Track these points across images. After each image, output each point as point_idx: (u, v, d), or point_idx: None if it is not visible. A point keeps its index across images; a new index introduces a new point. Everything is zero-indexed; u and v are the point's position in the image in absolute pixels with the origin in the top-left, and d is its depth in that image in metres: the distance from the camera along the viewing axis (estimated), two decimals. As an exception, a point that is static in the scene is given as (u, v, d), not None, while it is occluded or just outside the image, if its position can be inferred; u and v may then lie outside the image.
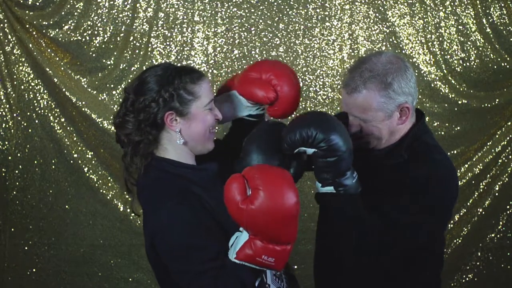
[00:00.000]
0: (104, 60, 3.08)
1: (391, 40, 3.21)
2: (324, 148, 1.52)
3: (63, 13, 3.01)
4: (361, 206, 1.61)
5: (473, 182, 3.30)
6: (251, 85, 1.70)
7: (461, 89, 3.27)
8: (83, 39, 3.05)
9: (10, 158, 3.07)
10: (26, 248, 3.11)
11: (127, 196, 3.10)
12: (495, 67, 3.26)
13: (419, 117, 1.75)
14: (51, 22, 3.01)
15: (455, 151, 3.29)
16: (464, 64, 3.26)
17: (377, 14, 3.20)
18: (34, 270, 3.12)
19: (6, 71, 3.03)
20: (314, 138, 1.51)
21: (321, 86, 3.19)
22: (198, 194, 1.56)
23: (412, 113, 1.69)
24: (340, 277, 1.80)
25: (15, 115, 3.07)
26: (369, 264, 1.67)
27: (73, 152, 3.09)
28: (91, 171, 3.10)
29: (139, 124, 1.55)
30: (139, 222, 3.11)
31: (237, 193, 1.41)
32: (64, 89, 3.04)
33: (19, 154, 3.08)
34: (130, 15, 3.07)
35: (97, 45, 3.07)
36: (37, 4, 3.01)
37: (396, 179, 1.63)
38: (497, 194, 3.30)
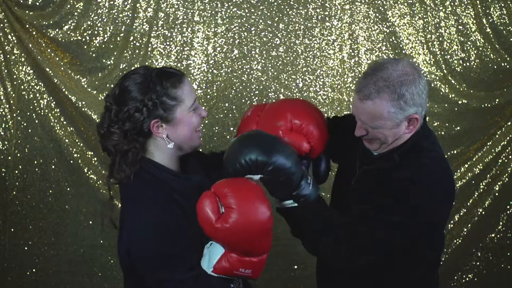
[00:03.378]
0: (104, 60, 3.08)
1: (391, 40, 3.21)
2: (269, 171, 1.51)
3: (63, 13, 3.01)
4: (324, 210, 1.63)
5: (473, 182, 3.31)
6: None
7: (461, 89, 3.27)
8: (83, 39, 3.04)
9: (10, 158, 3.07)
10: (26, 248, 3.10)
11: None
12: (495, 67, 3.26)
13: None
14: (51, 22, 3.01)
15: (455, 151, 3.29)
16: (464, 64, 3.26)
17: (377, 14, 3.20)
18: (34, 270, 3.12)
19: (6, 71, 3.03)
20: (257, 164, 1.51)
21: (321, 86, 3.19)
22: (180, 203, 1.56)
23: (420, 122, 1.68)
24: (337, 275, 1.81)
25: (15, 115, 3.07)
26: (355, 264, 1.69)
27: (73, 152, 3.09)
28: (91, 171, 3.10)
29: (125, 134, 1.54)
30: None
31: (211, 212, 1.42)
32: (64, 89, 3.03)
33: (19, 154, 3.08)
34: (130, 15, 3.07)
35: (97, 45, 3.06)
36: (37, 4, 3.01)
37: (383, 182, 1.64)
38: (497, 194, 3.30)
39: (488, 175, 3.31)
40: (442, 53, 3.25)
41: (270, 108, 1.79)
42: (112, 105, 1.54)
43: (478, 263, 3.33)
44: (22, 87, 3.05)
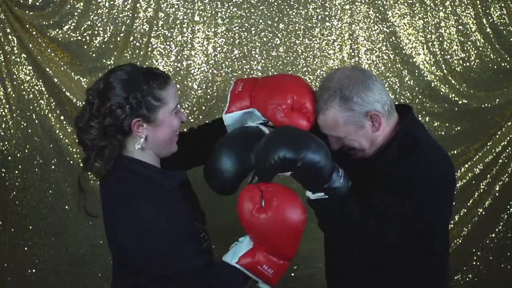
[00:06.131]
0: (104, 60, 3.08)
1: (391, 40, 3.21)
2: (299, 167, 1.51)
3: (63, 13, 3.01)
4: (353, 203, 1.62)
5: (473, 182, 3.31)
6: (281, 117, 1.68)
7: (461, 89, 3.27)
8: (83, 39, 3.04)
9: (10, 158, 3.07)
10: (26, 248, 3.10)
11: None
12: (495, 67, 3.26)
13: (406, 112, 1.76)
14: (51, 22, 3.01)
15: (455, 151, 3.29)
16: (464, 64, 3.26)
17: (377, 14, 3.20)
18: (34, 270, 3.12)
19: (6, 71, 3.03)
20: (285, 162, 1.50)
21: (321, 86, 3.19)
22: (169, 200, 1.55)
23: (388, 116, 1.69)
24: (347, 270, 1.82)
25: (15, 115, 3.06)
26: (364, 258, 1.70)
27: (73, 152, 3.09)
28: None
29: (104, 130, 1.52)
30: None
31: (251, 202, 1.46)
32: (64, 89, 3.03)
33: (19, 154, 3.08)
34: (130, 15, 3.07)
35: (97, 45, 3.06)
36: (37, 4, 3.01)
37: (387, 178, 1.64)
38: (497, 194, 3.30)
39: (488, 175, 3.31)
40: (442, 53, 3.25)
41: (266, 85, 1.77)
42: (95, 99, 1.52)
43: (478, 263, 3.33)
44: (22, 87, 3.05)
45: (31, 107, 3.06)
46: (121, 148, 1.56)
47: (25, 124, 3.07)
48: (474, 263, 3.33)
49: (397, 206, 1.58)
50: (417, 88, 3.24)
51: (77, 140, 1.59)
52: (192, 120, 3.09)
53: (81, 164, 1.60)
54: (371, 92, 1.65)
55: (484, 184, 3.32)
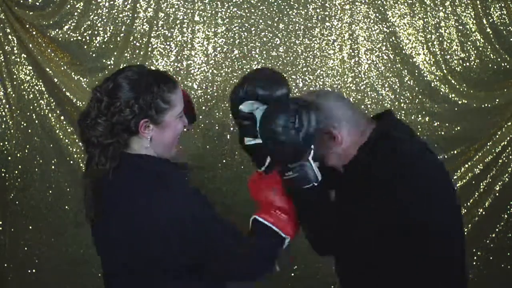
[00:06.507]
0: (104, 60, 3.08)
1: (391, 40, 3.21)
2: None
3: (63, 13, 3.01)
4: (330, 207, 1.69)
5: (473, 182, 3.31)
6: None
7: (461, 89, 3.27)
8: (83, 39, 3.04)
9: (10, 158, 3.07)
10: (26, 248, 3.10)
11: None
12: (495, 67, 3.26)
13: (386, 117, 1.76)
14: (51, 22, 3.01)
15: (455, 151, 3.29)
16: (464, 64, 3.26)
17: (377, 14, 3.20)
18: (34, 270, 3.12)
19: (6, 71, 3.03)
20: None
21: (321, 86, 3.19)
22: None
23: (351, 127, 1.70)
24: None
25: (15, 115, 3.06)
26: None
27: (73, 152, 3.09)
28: (91, 171, 3.10)
29: (111, 127, 1.53)
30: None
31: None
32: (64, 89, 3.03)
33: (19, 154, 3.08)
34: (130, 15, 3.07)
35: (97, 45, 3.06)
36: (37, 4, 3.01)
37: (360, 181, 1.64)
38: (497, 194, 3.30)
39: (488, 175, 3.31)
40: (442, 53, 3.25)
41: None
42: (104, 97, 1.54)
43: (478, 263, 3.33)
44: (22, 87, 3.05)
45: (31, 107, 3.06)
46: (126, 147, 1.57)
47: (25, 124, 3.07)
48: (474, 263, 3.32)
49: (365, 206, 1.60)
50: (417, 88, 3.24)
51: (80, 137, 1.60)
52: (192, 120, 3.09)
53: (83, 165, 1.59)
54: (321, 112, 1.67)
55: (484, 184, 3.31)
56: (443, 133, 3.27)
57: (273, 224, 1.67)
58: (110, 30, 3.06)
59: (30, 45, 3.00)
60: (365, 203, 1.60)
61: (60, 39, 3.03)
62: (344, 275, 1.87)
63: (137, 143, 1.58)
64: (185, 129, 1.67)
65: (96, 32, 3.05)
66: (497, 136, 3.30)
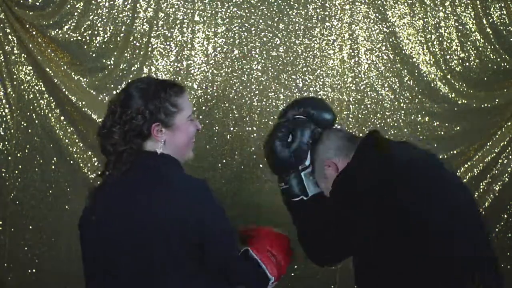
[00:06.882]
0: (104, 60, 3.08)
1: (391, 40, 3.21)
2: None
3: (63, 13, 3.01)
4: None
5: (473, 182, 3.30)
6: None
7: (461, 89, 3.27)
8: (83, 39, 3.04)
9: (10, 158, 3.07)
10: (26, 248, 3.10)
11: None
12: (495, 67, 3.26)
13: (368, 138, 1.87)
14: (51, 22, 3.01)
15: (455, 151, 3.29)
16: (464, 64, 3.26)
17: (377, 14, 3.20)
18: (34, 270, 3.11)
19: (6, 71, 3.03)
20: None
21: (321, 86, 3.19)
22: None
23: (344, 156, 1.81)
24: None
25: (15, 115, 3.06)
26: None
27: (73, 152, 3.09)
28: (91, 171, 3.10)
29: (125, 134, 1.62)
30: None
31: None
32: (64, 89, 3.03)
33: (19, 154, 3.07)
34: (130, 15, 3.07)
35: (97, 45, 3.06)
36: (37, 4, 3.01)
37: (353, 187, 1.73)
38: (497, 194, 3.30)
39: (488, 175, 3.31)
40: (442, 53, 3.25)
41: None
42: (117, 108, 1.65)
43: (478, 263, 3.32)
44: (22, 87, 3.05)
45: (31, 107, 3.06)
46: (139, 153, 1.65)
47: (25, 124, 3.07)
48: (474, 263, 3.32)
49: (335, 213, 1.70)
50: (417, 88, 3.24)
51: (101, 150, 1.68)
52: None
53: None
54: (322, 143, 1.85)
55: (484, 184, 3.32)
56: (443, 133, 3.27)
57: (261, 260, 1.71)
58: (110, 30, 3.06)
59: (30, 45, 3.00)
60: (363, 209, 1.62)
61: (60, 39, 3.03)
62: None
63: (151, 147, 1.66)
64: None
65: (96, 32, 3.05)
66: (497, 136, 3.30)
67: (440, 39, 3.24)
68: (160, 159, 1.64)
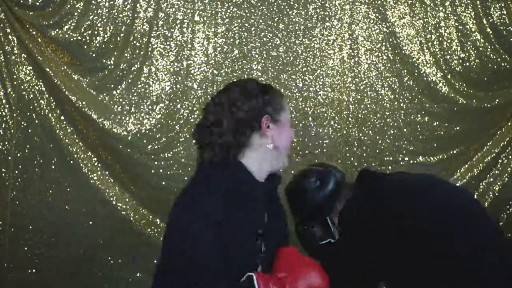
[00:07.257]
0: (104, 60, 3.08)
1: (391, 40, 3.21)
2: None
3: (63, 13, 3.01)
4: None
5: (473, 182, 3.30)
6: None
7: (461, 89, 3.27)
8: (83, 39, 3.04)
9: (10, 158, 3.07)
10: (26, 248, 3.10)
11: (126, 199, 3.11)
12: (495, 67, 3.26)
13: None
14: (51, 22, 3.01)
15: (455, 151, 3.29)
16: (464, 64, 3.26)
17: (377, 14, 3.20)
18: (34, 270, 3.11)
19: (6, 71, 3.03)
20: None
21: (321, 86, 3.19)
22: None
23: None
24: None
25: (15, 115, 3.06)
26: None
27: (73, 152, 3.09)
28: (91, 171, 3.10)
29: (235, 124, 1.61)
30: (139, 222, 3.11)
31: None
32: (64, 89, 3.03)
33: (19, 154, 3.07)
34: (130, 15, 3.07)
35: (97, 45, 3.06)
36: (37, 4, 3.01)
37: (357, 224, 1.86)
38: (497, 194, 3.30)
39: (488, 175, 3.31)
40: (442, 53, 3.25)
41: None
42: (224, 102, 1.62)
43: (478, 263, 3.32)
44: (22, 87, 3.05)
45: (31, 107, 3.06)
46: (245, 149, 1.63)
47: (25, 124, 3.07)
48: (474, 263, 3.32)
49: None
50: (416, 88, 3.24)
51: (198, 141, 1.66)
52: (192, 120, 3.09)
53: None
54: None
55: (484, 184, 3.31)
56: (443, 133, 3.27)
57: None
58: (110, 30, 3.06)
59: (30, 45, 3.00)
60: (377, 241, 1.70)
61: (60, 39, 3.03)
62: None
63: (258, 141, 1.64)
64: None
65: (96, 32, 3.05)
66: (497, 136, 3.30)
67: (440, 39, 3.24)
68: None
